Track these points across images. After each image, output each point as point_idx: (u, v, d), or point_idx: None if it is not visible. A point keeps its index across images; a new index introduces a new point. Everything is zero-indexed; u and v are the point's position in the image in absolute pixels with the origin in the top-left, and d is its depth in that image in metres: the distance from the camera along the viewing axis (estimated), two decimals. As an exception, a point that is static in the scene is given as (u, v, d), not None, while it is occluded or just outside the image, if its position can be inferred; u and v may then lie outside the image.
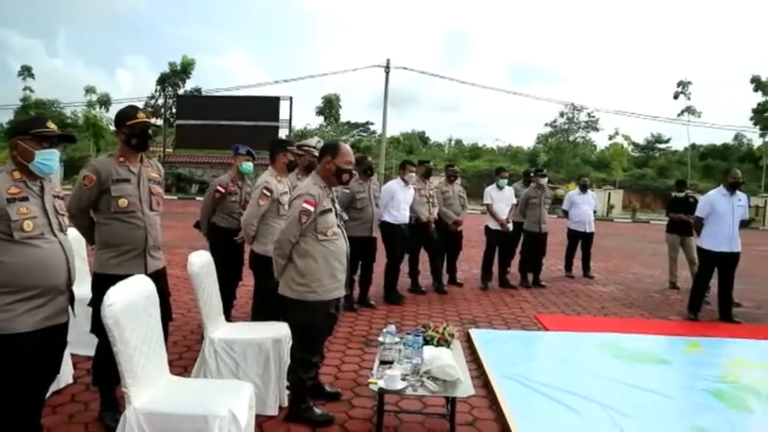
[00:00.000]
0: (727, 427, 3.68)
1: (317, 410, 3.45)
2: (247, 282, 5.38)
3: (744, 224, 6.68)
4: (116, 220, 3.14)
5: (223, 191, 5.15)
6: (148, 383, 2.55)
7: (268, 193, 4.39)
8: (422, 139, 63.79)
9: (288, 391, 3.50)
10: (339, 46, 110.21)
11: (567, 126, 53.11)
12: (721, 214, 6.45)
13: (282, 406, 3.51)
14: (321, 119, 48.92)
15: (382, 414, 3.17)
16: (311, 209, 3.28)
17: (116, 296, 2.42)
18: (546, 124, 54.74)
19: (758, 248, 15.27)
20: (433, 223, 7.24)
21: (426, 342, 3.56)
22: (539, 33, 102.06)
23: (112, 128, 3.55)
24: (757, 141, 44.08)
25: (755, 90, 39.59)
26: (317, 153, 4.78)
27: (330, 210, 3.40)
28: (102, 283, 2.89)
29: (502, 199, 7.89)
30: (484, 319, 6.20)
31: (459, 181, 8.12)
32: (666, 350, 5.39)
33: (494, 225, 7.87)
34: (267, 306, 4.07)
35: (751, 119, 40.19)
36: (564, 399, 3.92)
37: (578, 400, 3.91)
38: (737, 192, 6.60)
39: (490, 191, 7.95)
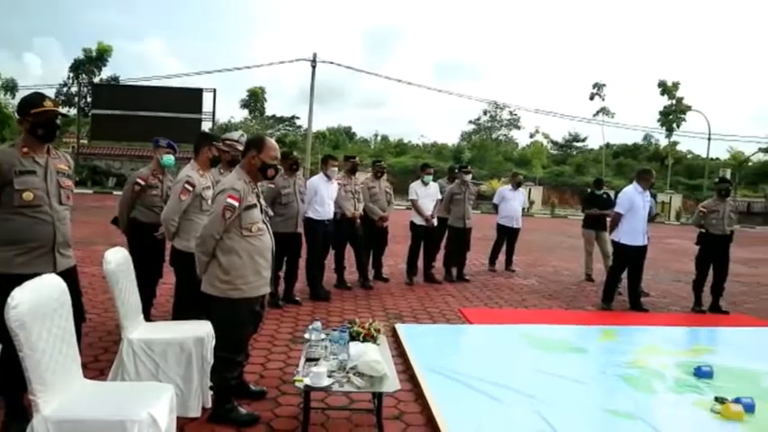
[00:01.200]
0: (634, 408, 3.90)
1: (242, 410, 3.38)
2: (168, 279, 5.20)
3: (650, 219, 7.12)
4: (20, 214, 2.94)
5: (143, 184, 4.95)
6: (59, 389, 2.41)
7: (190, 188, 4.25)
8: (348, 134, 63.76)
9: (211, 392, 3.41)
10: (265, 38, 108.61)
11: (490, 124, 54.59)
12: (637, 210, 6.84)
13: (206, 407, 3.41)
14: (246, 112, 47.94)
15: (309, 411, 3.16)
16: (235, 204, 3.21)
17: (22, 297, 2.26)
18: (470, 122, 56.10)
19: (664, 241, 16.26)
20: (359, 219, 7.26)
21: (352, 338, 3.56)
22: (464, 32, 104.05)
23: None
24: (663, 142, 46.99)
25: (662, 94, 42.09)
26: (240, 147, 4.68)
27: (255, 205, 3.33)
28: (5, 283, 2.68)
29: (427, 195, 8.01)
30: (409, 314, 6.28)
31: (385, 177, 8.17)
32: (582, 339, 5.65)
33: (419, 221, 7.98)
34: (189, 304, 3.96)
35: (658, 120, 42.71)
36: (487, 389, 4.04)
37: (501, 389, 4.04)
38: (646, 190, 7.03)
39: (415, 187, 8.05)
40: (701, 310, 7.32)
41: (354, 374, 3.06)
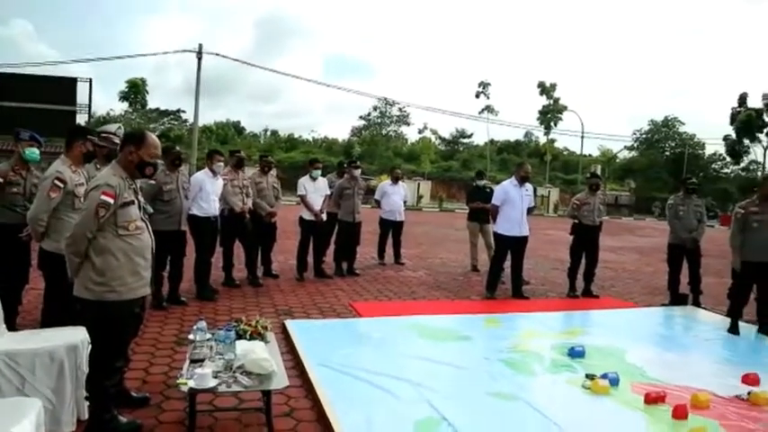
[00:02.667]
0: (516, 390, 4.13)
1: (123, 419, 3.20)
2: (36, 284, 4.81)
3: (529, 211, 7.54)
4: None
5: (1, 180, 4.53)
6: None
7: (60, 185, 3.97)
8: (237, 129, 62.11)
9: (87, 402, 3.20)
10: (149, 26, 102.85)
11: (380, 120, 55.24)
12: (513, 202, 7.21)
13: (82, 419, 3.20)
14: (126, 104, 45.16)
15: (194, 415, 3.05)
16: (110, 201, 3.02)
17: None
18: (360, 117, 56.45)
19: (543, 232, 17.28)
20: (248, 214, 7.10)
21: (239, 336, 3.48)
22: (355, 27, 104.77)
23: None
24: (542, 139, 49.98)
25: (541, 94, 44.77)
26: (117, 140, 4.42)
27: (132, 202, 3.16)
28: None
29: (316, 190, 7.98)
30: (300, 310, 6.24)
31: (273, 172, 8.05)
32: (468, 327, 5.88)
33: (308, 216, 7.93)
34: (60, 310, 3.70)
35: (537, 119, 45.38)
36: (378, 381, 4.10)
37: (391, 380, 4.12)
38: (526, 183, 7.43)
39: (304, 182, 7.98)
40: (575, 295, 7.87)
41: (242, 374, 3.00)
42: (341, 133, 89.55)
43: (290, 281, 7.75)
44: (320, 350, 4.69)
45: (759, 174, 44.08)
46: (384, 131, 55.44)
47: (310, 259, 8.13)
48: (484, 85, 45.52)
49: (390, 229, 9.75)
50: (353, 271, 8.49)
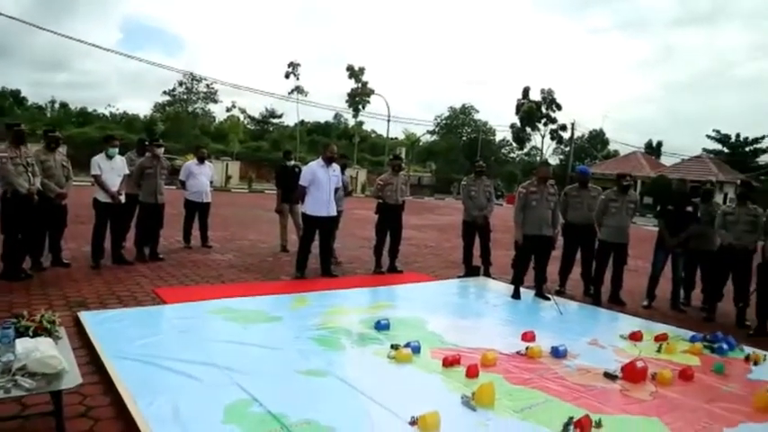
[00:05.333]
0: (326, 366, 4.25)
1: None
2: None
3: (347, 193, 7.77)
4: None
5: None
6: None
7: None
8: (16, 99, 54.60)
9: None
10: None
11: (186, 96, 52.20)
12: (320, 183, 7.33)
13: None
14: None
15: (-36, 427, 2.68)
16: None
17: None
18: (164, 92, 52.78)
19: (351, 212, 17.76)
20: (36, 196, 6.32)
21: (20, 334, 3.11)
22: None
23: None
24: (351, 121, 51.28)
25: (350, 77, 45.70)
26: None
27: None
28: None
29: (112, 169, 7.31)
30: (95, 300, 5.74)
31: (62, 149, 7.24)
32: (277, 308, 5.89)
33: (103, 197, 7.24)
34: None
35: (346, 101, 46.33)
36: (184, 368, 3.95)
37: (198, 367, 4.00)
38: (333, 164, 7.58)
39: (98, 160, 7.27)
40: (381, 271, 8.29)
41: (24, 375, 2.69)
42: (142, 109, 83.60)
43: (83, 269, 7.06)
44: (119, 342, 4.39)
45: (538, 158, 49.90)
46: (190, 108, 52.56)
47: (108, 245, 7.47)
48: (294, 65, 45.24)
49: (196, 210, 9.36)
50: (157, 256, 8.01)
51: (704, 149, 46.83)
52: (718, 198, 16.86)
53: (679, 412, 3.95)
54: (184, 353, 4.27)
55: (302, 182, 7.44)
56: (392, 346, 4.71)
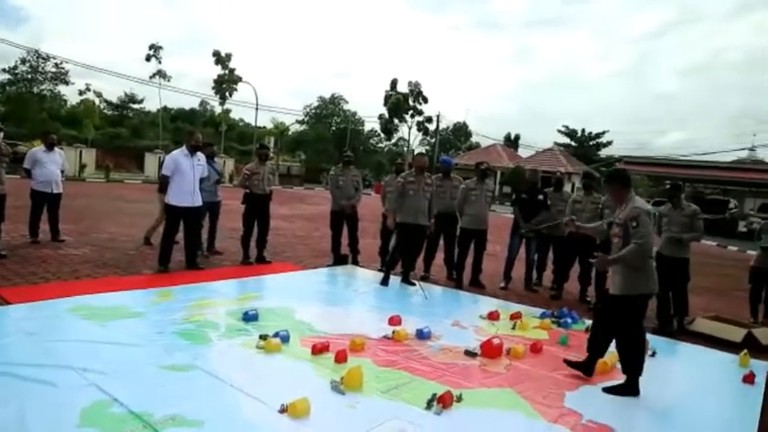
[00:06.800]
0: (191, 360, 4.14)
1: None
2: None
3: (217, 182, 7.57)
4: None
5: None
6: None
7: None
8: None
9: None
10: None
11: (30, 76, 47.34)
12: (184, 172, 7.05)
13: None
14: None
15: None
16: None
17: None
18: (4, 70, 47.47)
19: (225, 203, 17.24)
20: None
21: None
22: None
23: None
24: (218, 109, 49.45)
25: (216, 63, 43.94)
26: None
27: None
28: None
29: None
30: (-76, 303, 5.12)
31: None
32: (139, 303, 5.60)
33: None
34: None
35: (213, 88, 44.53)
36: (33, 374, 3.65)
37: (49, 370, 3.71)
38: (198, 153, 7.32)
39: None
40: (249, 262, 8.16)
41: None
42: (-24, 89, 74.33)
43: None
44: (-47, 348, 3.96)
45: (405, 149, 51.33)
46: (36, 89, 47.77)
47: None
48: (155, 48, 42.63)
49: (45, 202, 8.59)
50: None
51: (555, 143, 50.94)
52: (567, 187, 18.44)
53: (529, 382, 4.34)
54: (34, 357, 3.95)
55: (164, 171, 7.12)
56: (261, 337, 4.69)
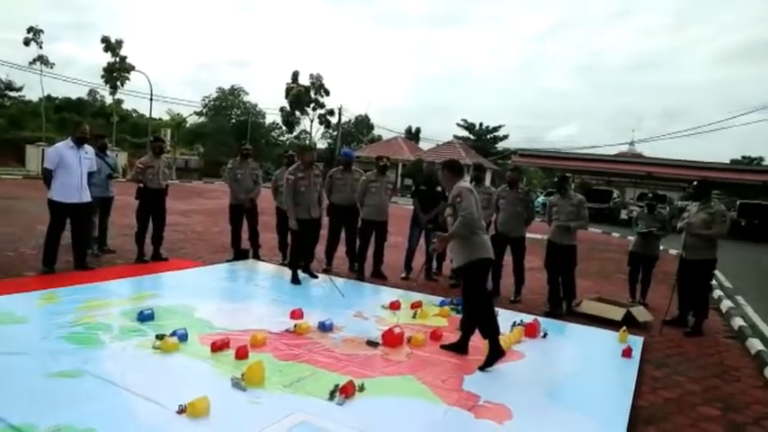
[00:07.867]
0: (81, 364, 3.93)
1: None
2: None
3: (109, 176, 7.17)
4: None
5: None
6: None
7: None
8: None
9: None
10: None
11: None
12: (69, 166, 6.62)
13: None
14: None
15: None
16: None
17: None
18: None
19: (118, 198, 16.33)
20: None
21: None
22: None
23: None
24: (109, 99, 46.68)
25: (105, 50, 41.35)
26: None
27: None
28: None
29: None
30: None
31: None
32: (20, 308, 5.20)
33: None
34: None
35: (102, 77, 41.90)
36: None
37: None
38: (85, 145, 6.90)
39: None
40: (145, 260, 7.82)
41: None
42: None
43: None
44: None
45: (308, 142, 50.91)
46: None
47: None
48: (35, 31, 39.47)
49: None
50: None
51: (455, 136, 52.39)
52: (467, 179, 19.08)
53: (429, 368, 4.49)
54: None
55: (47, 165, 6.65)
56: (157, 337, 4.53)
